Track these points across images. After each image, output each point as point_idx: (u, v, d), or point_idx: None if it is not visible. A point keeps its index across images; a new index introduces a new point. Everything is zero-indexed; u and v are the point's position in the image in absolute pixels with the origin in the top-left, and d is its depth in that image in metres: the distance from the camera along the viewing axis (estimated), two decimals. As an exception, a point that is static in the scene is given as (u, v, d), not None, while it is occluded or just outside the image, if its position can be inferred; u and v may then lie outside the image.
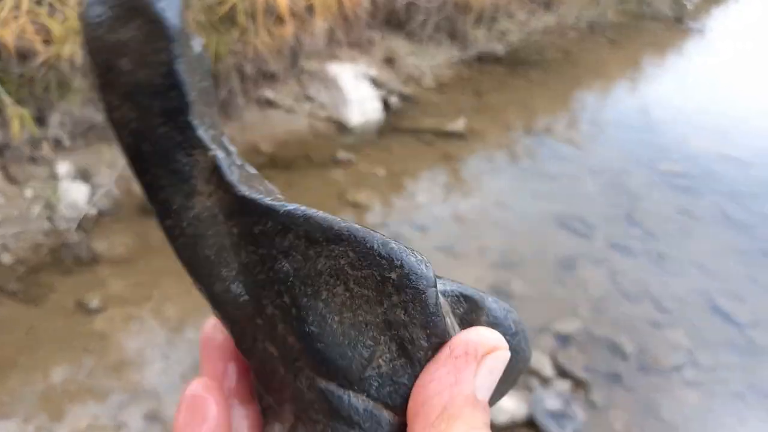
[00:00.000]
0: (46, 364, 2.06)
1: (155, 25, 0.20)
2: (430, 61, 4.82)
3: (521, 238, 2.99)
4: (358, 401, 0.21)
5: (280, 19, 3.51)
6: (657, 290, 2.71)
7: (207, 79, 0.22)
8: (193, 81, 0.21)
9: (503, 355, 0.21)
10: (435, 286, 0.21)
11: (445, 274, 0.23)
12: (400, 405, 0.21)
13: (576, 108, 4.80)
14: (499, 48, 5.21)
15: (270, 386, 0.23)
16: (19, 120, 2.60)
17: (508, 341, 0.22)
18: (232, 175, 0.22)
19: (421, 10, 4.79)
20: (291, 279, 0.21)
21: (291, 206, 0.21)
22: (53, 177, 2.80)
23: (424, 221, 3.02)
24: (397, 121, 4.04)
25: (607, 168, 3.77)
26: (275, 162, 3.37)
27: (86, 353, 2.10)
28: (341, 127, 3.84)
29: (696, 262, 2.96)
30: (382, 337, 0.21)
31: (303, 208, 0.21)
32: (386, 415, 0.21)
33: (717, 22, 8.35)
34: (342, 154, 3.47)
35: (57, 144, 2.89)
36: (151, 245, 2.62)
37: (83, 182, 2.82)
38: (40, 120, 2.81)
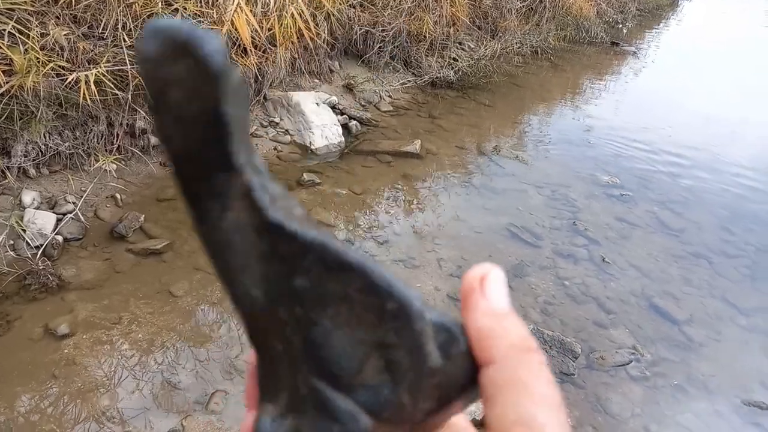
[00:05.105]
0: (10, 393, 1.98)
1: (203, 65, 0.22)
2: (386, 87, 5.00)
3: (475, 249, 3.10)
4: (344, 403, 0.24)
5: (243, 50, 3.56)
6: (601, 293, 2.87)
7: (245, 107, 0.24)
8: (233, 113, 0.23)
9: (496, 274, 0.26)
10: (423, 319, 0.24)
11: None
12: (378, 413, 0.24)
13: (522, 127, 5.02)
14: (450, 74, 5.42)
15: (271, 376, 0.25)
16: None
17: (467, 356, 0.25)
18: (263, 199, 0.24)
19: (377, 40, 4.98)
20: (305, 293, 0.24)
21: (311, 234, 0.24)
22: (19, 206, 2.74)
23: (386, 236, 3.11)
24: (357, 144, 4.15)
25: (551, 182, 3.96)
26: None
27: (53, 380, 2.03)
28: (305, 151, 3.91)
29: (635, 265, 3.14)
30: (374, 354, 0.24)
31: (322, 236, 0.24)
32: (365, 419, 0.23)
33: (649, 44, 8.92)
34: (307, 177, 3.55)
35: (23, 173, 2.84)
36: (119, 269, 2.58)
37: (49, 210, 2.77)
38: (4, 150, 2.76)
